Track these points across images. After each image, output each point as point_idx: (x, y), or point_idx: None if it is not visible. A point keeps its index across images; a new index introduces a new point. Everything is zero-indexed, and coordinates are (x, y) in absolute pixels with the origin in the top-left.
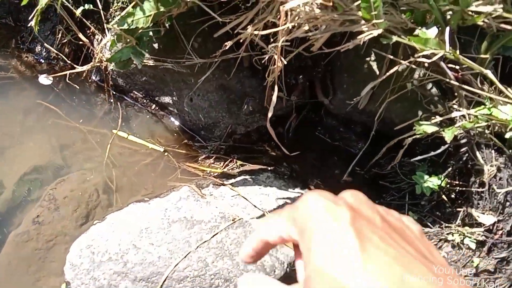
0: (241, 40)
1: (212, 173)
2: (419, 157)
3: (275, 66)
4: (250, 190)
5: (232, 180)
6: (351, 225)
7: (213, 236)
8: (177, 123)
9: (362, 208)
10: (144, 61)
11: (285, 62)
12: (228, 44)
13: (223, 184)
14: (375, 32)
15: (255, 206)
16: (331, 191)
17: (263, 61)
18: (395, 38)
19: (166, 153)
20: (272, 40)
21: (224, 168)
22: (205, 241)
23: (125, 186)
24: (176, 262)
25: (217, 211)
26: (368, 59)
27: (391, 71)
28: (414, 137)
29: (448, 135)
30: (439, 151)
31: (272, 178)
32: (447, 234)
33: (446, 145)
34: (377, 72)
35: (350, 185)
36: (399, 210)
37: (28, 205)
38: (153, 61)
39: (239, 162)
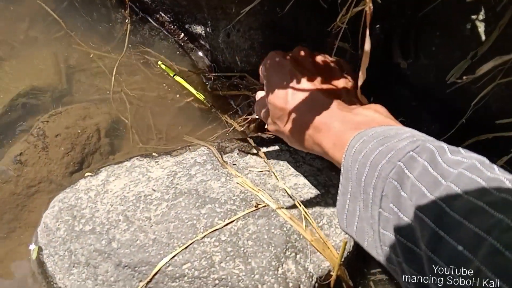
0: None
1: (245, 128)
2: None
3: (363, 7)
4: (284, 167)
5: (264, 149)
6: (288, 73)
7: (227, 224)
8: (207, 61)
9: (300, 57)
10: None
11: (380, 0)
12: None
13: (256, 154)
14: None
15: (286, 190)
16: None
17: None
18: None
19: (187, 99)
20: None
21: (256, 131)
22: (215, 229)
23: (134, 130)
24: (174, 252)
25: (237, 189)
26: (474, 17)
27: None
28: None
29: None
30: None
31: (314, 155)
32: None
33: None
34: (483, 38)
35: None
36: None
37: (15, 136)
38: None
39: None
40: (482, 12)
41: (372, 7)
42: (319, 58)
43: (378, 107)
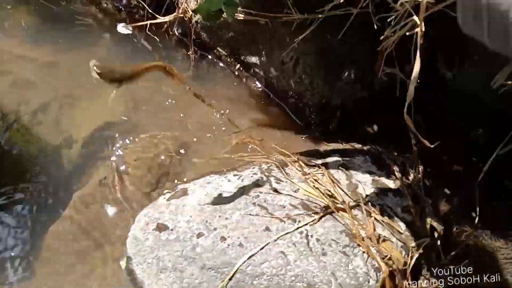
0: None
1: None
2: None
3: (416, 30)
4: (341, 175)
5: (320, 160)
6: None
7: (298, 228)
8: (260, 86)
9: None
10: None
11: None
12: None
13: (317, 165)
14: None
15: (346, 194)
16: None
17: (389, 20)
18: None
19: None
20: None
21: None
22: (287, 233)
23: (201, 153)
24: (250, 253)
25: (303, 196)
26: None
27: None
28: None
29: None
30: None
31: (370, 162)
32: None
33: None
34: None
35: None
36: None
37: (97, 164)
38: (244, 15)
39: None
40: None
41: (424, 29)
42: None
43: None
